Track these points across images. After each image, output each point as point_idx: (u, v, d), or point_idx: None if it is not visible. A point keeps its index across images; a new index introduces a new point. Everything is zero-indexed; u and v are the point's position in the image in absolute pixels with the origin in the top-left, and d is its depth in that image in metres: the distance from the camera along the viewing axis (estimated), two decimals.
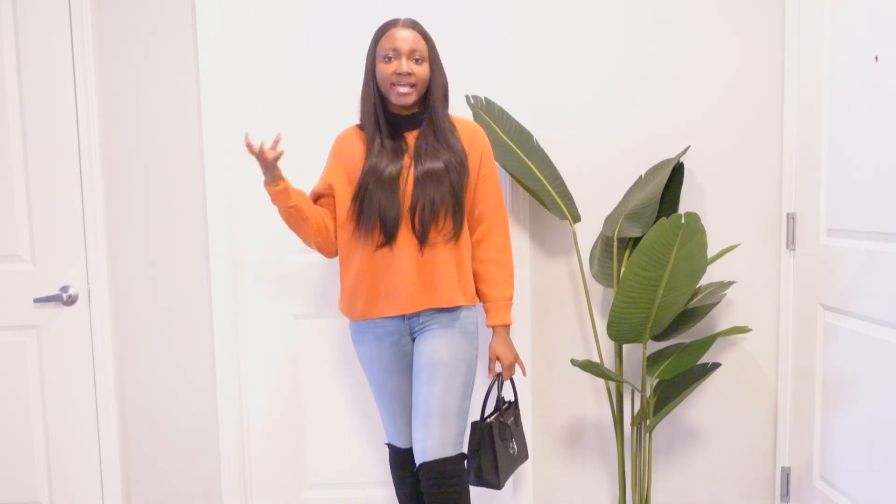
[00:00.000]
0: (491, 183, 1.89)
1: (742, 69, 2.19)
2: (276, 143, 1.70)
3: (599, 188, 2.24)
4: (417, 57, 1.76)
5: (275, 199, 1.76)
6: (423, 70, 1.77)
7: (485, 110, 2.01)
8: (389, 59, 1.76)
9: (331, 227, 1.85)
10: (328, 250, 1.89)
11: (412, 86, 1.76)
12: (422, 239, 1.77)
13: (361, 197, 1.78)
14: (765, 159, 2.21)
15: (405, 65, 1.74)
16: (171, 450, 2.33)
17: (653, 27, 2.20)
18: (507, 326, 1.89)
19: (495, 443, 1.86)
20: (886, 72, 1.70)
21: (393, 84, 1.76)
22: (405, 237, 1.78)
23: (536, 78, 2.21)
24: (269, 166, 1.69)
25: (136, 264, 2.28)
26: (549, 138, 2.23)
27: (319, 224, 1.83)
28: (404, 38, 1.75)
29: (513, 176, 1.94)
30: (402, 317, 1.84)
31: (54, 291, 2.25)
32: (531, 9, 2.20)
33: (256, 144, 1.60)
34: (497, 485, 1.86)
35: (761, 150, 2.21)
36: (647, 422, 2.03)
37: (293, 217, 1.79)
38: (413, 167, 1.78)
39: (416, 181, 1.76)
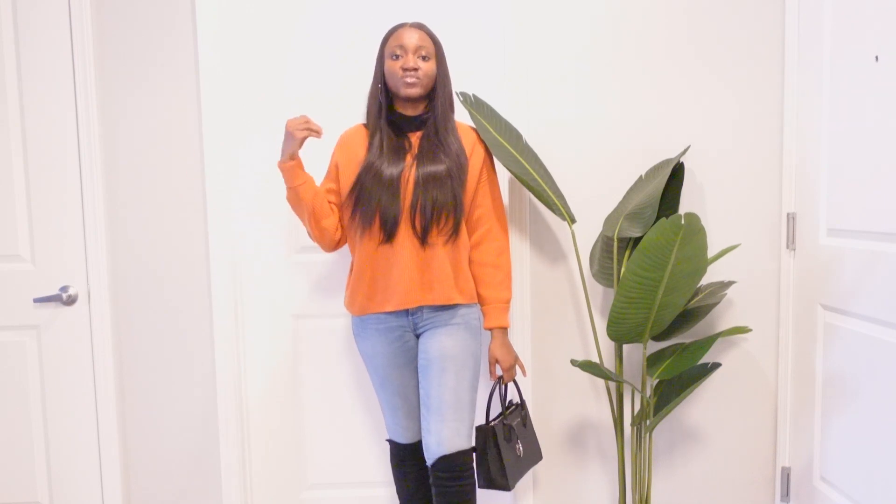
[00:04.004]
0: (490, 187, 1.94)
1: (742, 69, 2.19)
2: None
3: (600, 188, 2.24)
4: (424, 54, 1.83)
5: (285, 176, 1.84)
6: (429, 66, 1.83)
7: (474, 107, 2.01)
8: (397, 56, 1.83)
9: (327, 226, 1.88)
10: (326, 246, 1.93)
11: (418, 78, 1.82)
12: (422, 238, 1.80)
13: (358, 194, 1.82)
14: (765, 159, 2.21)
15: (411, 60, 1.81)
16: (171, 450, 2.33)
17: (653, 26, 2.20)
18: (504, 329, 1.93)
19: (500, 444, 1.88)
20: (886, 72, 1.70)
21: (401, 77, 1.82)
22: (405, 235, 1.81)
23: (536, 77, 2.21)
24: (298, 142, 1.78)
25: (136, 264, 2.28)
26: (549, 138, 2.23)
27: (319, 214, 1.87)
28: (410, 37, 1.82)
29: (515, 175, 1.94)
30: (405, 313, 1.87)
31: (54, 291, 2.25)
32: (530, 7, 2.20)
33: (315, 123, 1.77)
34: (506, 486, 1.88)
35: (761, 149, 2.21)
36: (647, 422, 2.03)
37: (298, 198, 1.85)
38: (415, 168, 1.82)
39: (417, 182, 1.81)
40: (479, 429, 1.90)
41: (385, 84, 1.86)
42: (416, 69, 1.80)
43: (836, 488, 1.99)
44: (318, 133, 1.76)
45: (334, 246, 1.94)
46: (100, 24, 2.22)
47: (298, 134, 1.75)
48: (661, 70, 2.21)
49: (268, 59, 2.24)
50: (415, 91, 1.82)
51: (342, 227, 1.92)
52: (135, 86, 2.23)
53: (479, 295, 1.93)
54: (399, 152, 1.84)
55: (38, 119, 2.21)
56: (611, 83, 2.22)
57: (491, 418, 1.98)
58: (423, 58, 1.82)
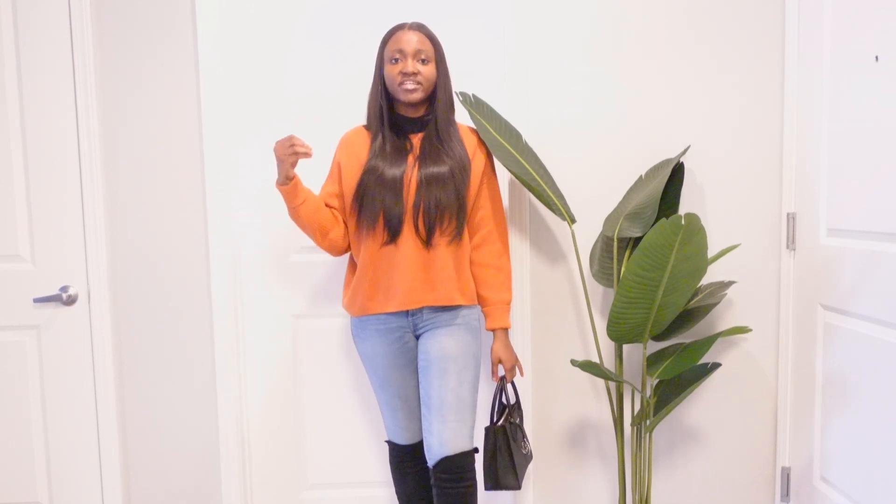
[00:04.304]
0: (492, 189, 1.94)
1: (742, 69, 2.19)
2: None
3: (600, 188, 2.24)
4: (423, 57, 1.81)
5: (284, 197, 1.80)
6: (428, 69, 1.82)
7: (474, 107, 2.01)
8: (396, 60, 1.81)
9: (334, 237, 1.88)
10: (334, 253, 1.94)
11: (418, 83, 1.80)
12: (426, 239, 1.80)
13: (361, 196, 1.82)
14: (765, 159, 2.21)
15: (410, 65, 1.79)
16: (171, 450, 2.33)
17: (653, 26, 2.20)
18: (506, 330, 1.93)
19: (511, 445, 1.88)
20: (886, 72, 1.70)
21: (400, 83, 1.80)
22: (409, 236, 1.81)
23: (536, 77, 2.21)
24: (289, 164, 1.72)
25: (136, 264, 2.28)
26: (549, 138, 2.23)
27: (325, 228, 1.86)
28: (409, 40, 1.81)
29: (515, 175, 1.94)
30: (406, 314, 1.87)
31: (54, 291, 2.25)
32: (530, 7, 2.20)
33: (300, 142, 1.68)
34: (516, 486, 1.89)
35: (761, 149, 2.21)
36: (647, 422, 2.03)
37: (298, 217, 1.83)
38: (417, 169, 1.82)
39: (420, 184, 1.80)
40: (487, 430, 1.91)
41: (385, 87, 1.86)
42: (415, 74, 1.79)
43: (836, 488, 1.99)
44: (307, 154, 1.68)
45: (341, 252, 1.94)
46: (100, 23, 2.22)
47: (288, 159, 1.70)
48: (660, 70, 2.21)
49: (268, 59, 2.24)
50: (415, 97, 1.81)
51: (348, 231, 1.92)
52: (135, 86, 2.23)
53: (479, 296, 1.93)
54: (401, 153, 1.84)
55: (38, 119, 2.21)
56: (611, 83, 2.22)
57: (496, 420, 1.98)
58: (423, 61, 1.81)
